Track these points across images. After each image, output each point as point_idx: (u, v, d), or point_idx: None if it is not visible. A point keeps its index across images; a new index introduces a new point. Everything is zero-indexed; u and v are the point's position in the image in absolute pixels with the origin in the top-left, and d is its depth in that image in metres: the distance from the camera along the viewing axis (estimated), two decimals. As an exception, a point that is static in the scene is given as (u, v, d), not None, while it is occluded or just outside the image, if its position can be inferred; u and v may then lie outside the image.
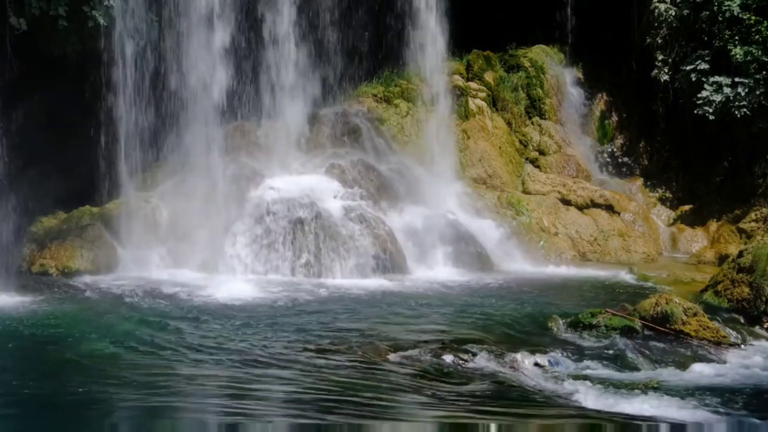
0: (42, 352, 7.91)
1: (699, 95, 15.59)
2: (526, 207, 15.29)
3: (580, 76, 18.84)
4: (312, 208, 12.77)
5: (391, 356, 7.92)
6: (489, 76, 17.60)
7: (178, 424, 6.09)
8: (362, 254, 12.46)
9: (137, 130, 12.97)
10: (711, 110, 15.46)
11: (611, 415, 6.45)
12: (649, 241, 15.69)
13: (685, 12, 16.46)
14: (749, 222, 15.48)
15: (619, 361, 8.07)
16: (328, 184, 13.50)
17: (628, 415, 6.46)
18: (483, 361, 7.86)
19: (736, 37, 15.55)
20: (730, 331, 9.17)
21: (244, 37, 13.73)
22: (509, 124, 17.42)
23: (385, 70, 16.71)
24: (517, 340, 8.69)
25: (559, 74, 18.62)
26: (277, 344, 8.25)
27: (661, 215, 17.04)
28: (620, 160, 18.09)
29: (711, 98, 15.46)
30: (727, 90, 15.32)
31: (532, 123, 17.82)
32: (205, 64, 13.14)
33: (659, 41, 16.93)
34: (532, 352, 8.12)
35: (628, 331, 8.97)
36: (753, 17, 15.45)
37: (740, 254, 10.31)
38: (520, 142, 17.43)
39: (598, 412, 6.52)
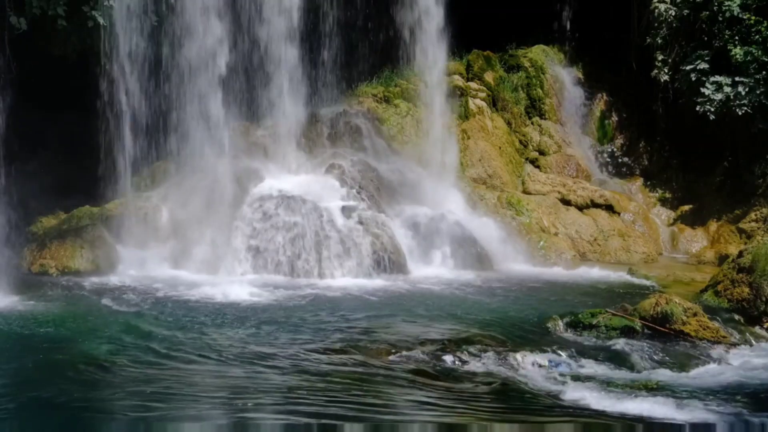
0: (41, 352, 7.90)
1: (701, 93, 15.58)
2: (526, 207, 15.29)
3: (580, 76, 18.85)
4: (312, 208, 12.76)
5: (391, 356, 7.92)
6: (489, 76, 17.60)
7: (177, 424, 6.09)
8: (362, 254, 12.46)
9: (137, 130, 12.97)
10: (712, 109, 15.46)
11: (611, 415, 6.45)
12: (649, 241, 15.69)
13: (685, 12, 16.45)
14: (749, 222, 15.48)
15: (619, 361, 8.06)
16: (328, 184, 13.49)
17: (628, 415, 6.46)
18: (483, 361, 7.87)
19: (736, 37, 15.55)
20: (730, 331, 9.17)
21: (244, 37, 13.73)
22: (509, 124, 17.42)
23: (385, 70, 16.71)
24: (517, 340, 8.69)
25: (559, 74, 18.62)
26: (276, 344, 8.25)
27: (661, 215, 17.04)
28: (620, 160, 18.10)
29: (712, 97, 15.47)
30: (727, 89, 15.32)
31: (532, 123, 17.83)
32: (206, 64, 13.14)
33: (659, 41, 16.92)
34: (532, 352, 8.12)
35: (628, 331, 8.97)
36: (753, 17, 15.45)
37: (740, 254, 10.31)
38: (520, 142, 17.43)
39: (598, 412, 6.52)
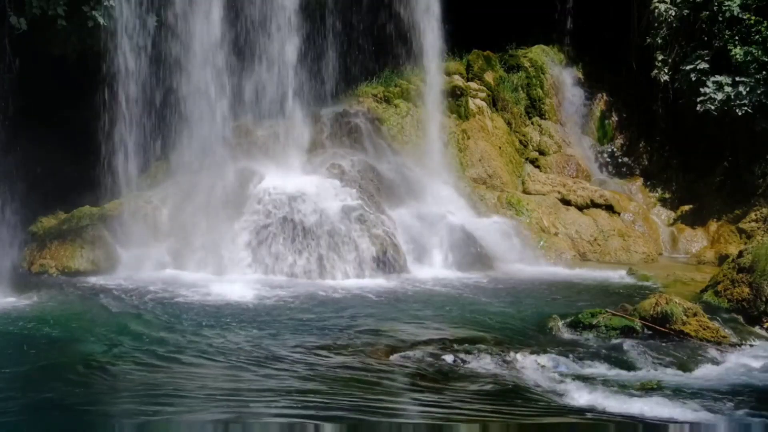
0: (42, 353, 7.90)
1: (701, 92, 15.59)
2: (526, 207, 15.30)
3: (580, 76, 18.86)
4: (312, 208, 12.77)
5: (391, 356, 7.93)
6: (489, 76, 17.61)
7: (177, 424, 6.09)
8: (362, 254, 12.46)
9: (137, 129, 12.97)
10: (714, 107, 15.46)
11: (611, 415, 6.45)
12: (649, 241, 15.69)
13: (685, 12, 16.46)
14: (749, 222, 15.49)
15: (619, 361, 8.06)
16: (328, 184, 13.49)
17: (628, 415, 6.46)
18: (483, 361, 7.87)
19: (736, 37, 15.55)
20: (730, 331, 9.17)
21: (244, 37, 13.74)
22: (509, 124, 17.43)
23: (385, 70, 16.71)
24: (517, 340, 8.70)
25: (559, 74, 18.63)
26: (276, 344, 8.25)
27: (661, 215, 17.05)
28: (620, 160, 18.10)
29: (713, 96, 15.48)
30: (728, 89, 15.32)
31: (532, 123, 17.84)
32: (206, 64, 13.14)
33: (659, 41, 16.93)
34: (532, 352, 8.12)
35: (628, 331, 8.98)
36: (753, 17, 15.45)
37: (740, 254, 10.31)
38: (520, 142, 17.44)
39: (599, 412, 6.53)
